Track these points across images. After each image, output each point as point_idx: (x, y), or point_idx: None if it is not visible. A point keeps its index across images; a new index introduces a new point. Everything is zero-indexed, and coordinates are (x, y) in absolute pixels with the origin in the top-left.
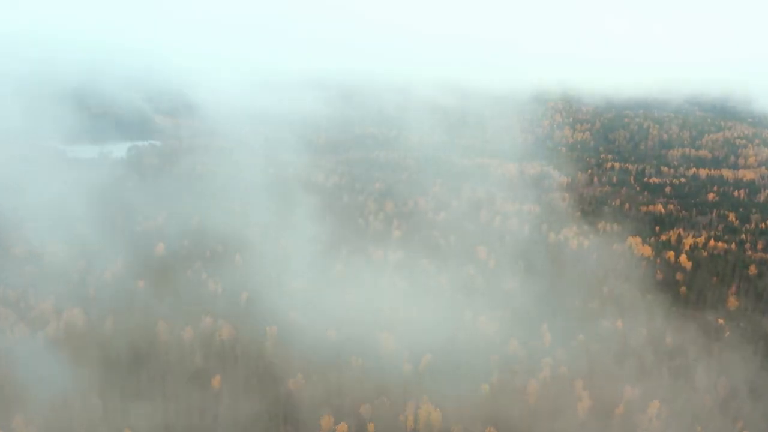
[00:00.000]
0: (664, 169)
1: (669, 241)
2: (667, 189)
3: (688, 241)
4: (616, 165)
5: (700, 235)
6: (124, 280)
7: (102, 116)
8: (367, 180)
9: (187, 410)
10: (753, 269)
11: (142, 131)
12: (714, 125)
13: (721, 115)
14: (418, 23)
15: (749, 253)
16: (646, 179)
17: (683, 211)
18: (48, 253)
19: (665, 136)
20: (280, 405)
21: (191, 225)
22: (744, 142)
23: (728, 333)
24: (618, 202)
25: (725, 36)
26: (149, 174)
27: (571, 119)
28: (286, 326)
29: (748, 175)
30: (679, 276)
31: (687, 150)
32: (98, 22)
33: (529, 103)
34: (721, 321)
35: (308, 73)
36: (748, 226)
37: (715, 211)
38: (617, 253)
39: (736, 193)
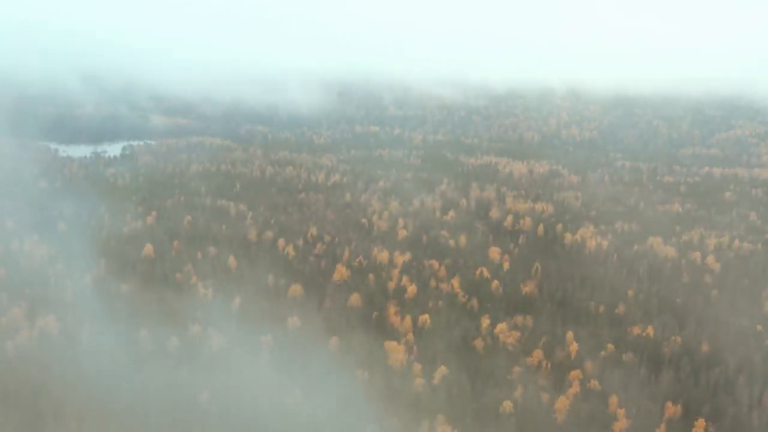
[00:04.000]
0: (677, 167)
1: (691, 241)
2: (682, 188)
3: (712, 242)
4: (627, 164)
5: (723, 235)
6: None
7: (99, 116)
8: (371, 178)
9: None
10: None
11: (140, 131)
12: (724, 124)
13: (730, 113)
14: (421, 19)
15: None
16: (659, 178)
17: (701, 211)
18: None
19: (675, 135)
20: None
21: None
22: (756, 140)
23: None
24: (633, 201)
25: (734, 35)
26: (139, 173)
27: (578, 117)
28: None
29: (764, 173)
30: (707, 278)
31: (698, 149)
32: (94, 20)
33: (534, 101)
34: (759, 328)
35: (309, 71)
36: None
37: (734, 210)
38: (639, 254)
39: (753, 192)
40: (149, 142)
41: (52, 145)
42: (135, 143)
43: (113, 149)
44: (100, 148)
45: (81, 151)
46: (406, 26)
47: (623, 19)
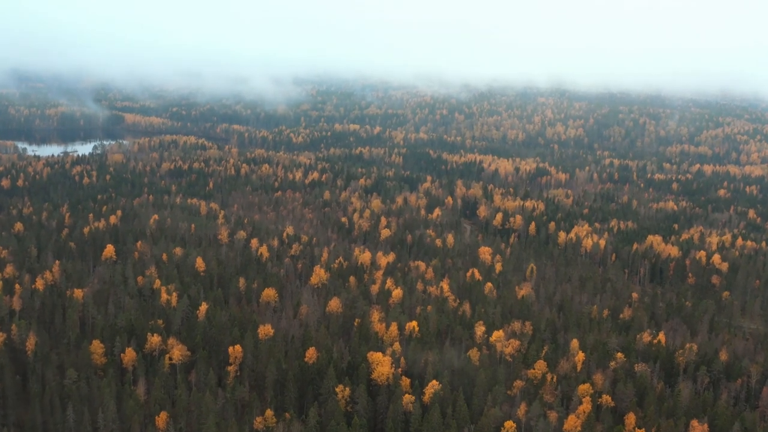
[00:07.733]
0: (666, 165)
1: (692, 239)
2: (674, 185)
3: (714, 240)
4: (615, 161)
5: (725, 233)
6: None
7: (72, 117)
8: (351, 176)
9: None
10: None
11: (113, 130)
12: (712, 121)
13: (717, 111)
14: (399, 11)
15: None
16: (649, 175)
17: (697, 208)
18: None
19: (662, 132)
20: None
21: None
22: (745, 138)
23: None
24: (625, 198)
25: (719, 32)
26: (106, 172)
27: (563, 115)
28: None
29: (756, 171)
30: (715, 279)
31: (686, 146)
32: (74, 18)
33: (518, 98)
34: None
35: (288, 67)
36: None
37: (732, 207)
38: (639, 253)
39: (747, 190)
40: (121, 141)
41: (22, 145)
42: (107, 142)
43: (84, 149)
44: (71, 148)
45: (51, 150)
46: (385, 20)
47: (608, 15)
